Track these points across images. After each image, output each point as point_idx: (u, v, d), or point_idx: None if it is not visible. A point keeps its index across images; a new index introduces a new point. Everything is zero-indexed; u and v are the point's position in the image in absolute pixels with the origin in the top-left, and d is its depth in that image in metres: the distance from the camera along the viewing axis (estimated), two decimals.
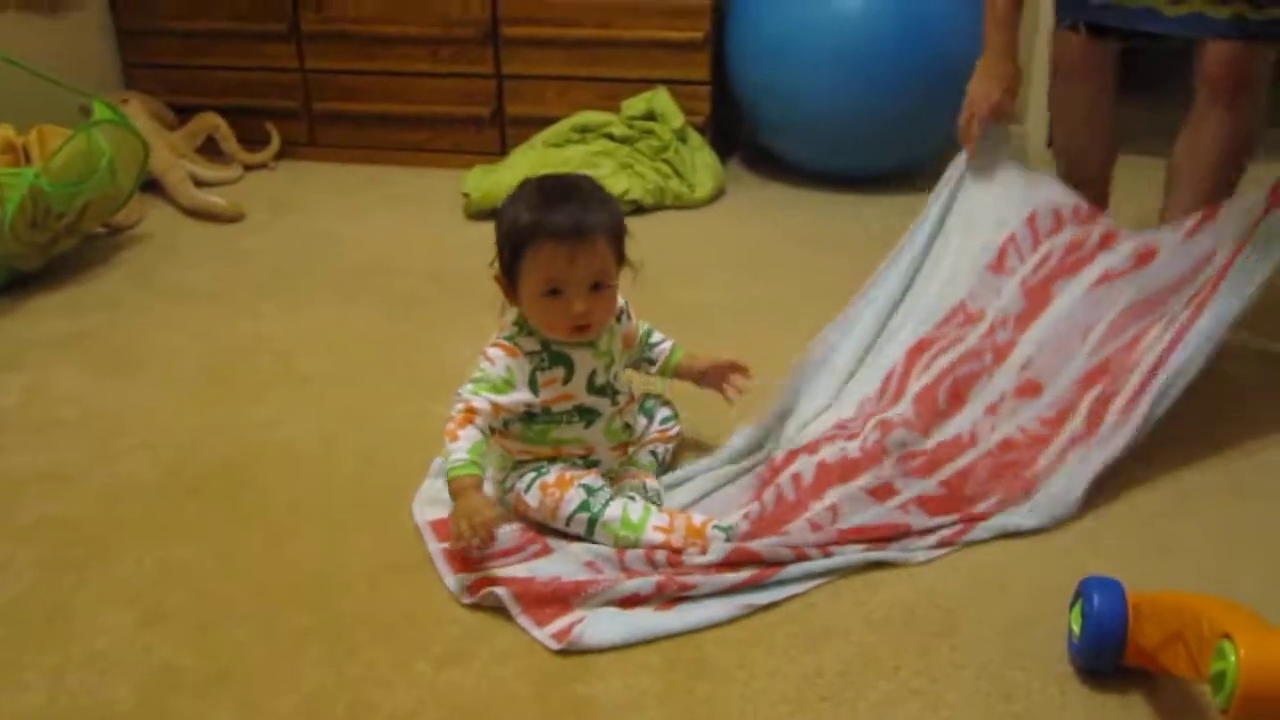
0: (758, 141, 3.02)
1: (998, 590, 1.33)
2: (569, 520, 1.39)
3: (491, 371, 1.41)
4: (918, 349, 1.72)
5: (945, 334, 1.74)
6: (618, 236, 1.40)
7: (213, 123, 3.03)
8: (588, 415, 1.44)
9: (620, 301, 1.49)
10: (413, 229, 2.61)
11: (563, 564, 1.35)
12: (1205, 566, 1.37)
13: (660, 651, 1.24)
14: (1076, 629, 1.18)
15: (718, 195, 2.78)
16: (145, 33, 3.17)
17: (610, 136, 2.75)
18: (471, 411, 1.36)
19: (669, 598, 1.30)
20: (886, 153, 2.73)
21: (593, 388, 1.43)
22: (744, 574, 1.33)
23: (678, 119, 2.76)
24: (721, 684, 1.19)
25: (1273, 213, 1.57)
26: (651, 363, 1.60)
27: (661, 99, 2.78)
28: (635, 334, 1.56)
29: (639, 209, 2.66)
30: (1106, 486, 1.53)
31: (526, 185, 1.41)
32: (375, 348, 2.00)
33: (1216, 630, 0.97)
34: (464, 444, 1.33)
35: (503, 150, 3.00)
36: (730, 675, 1.20)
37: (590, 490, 1.40)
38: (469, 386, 1.39)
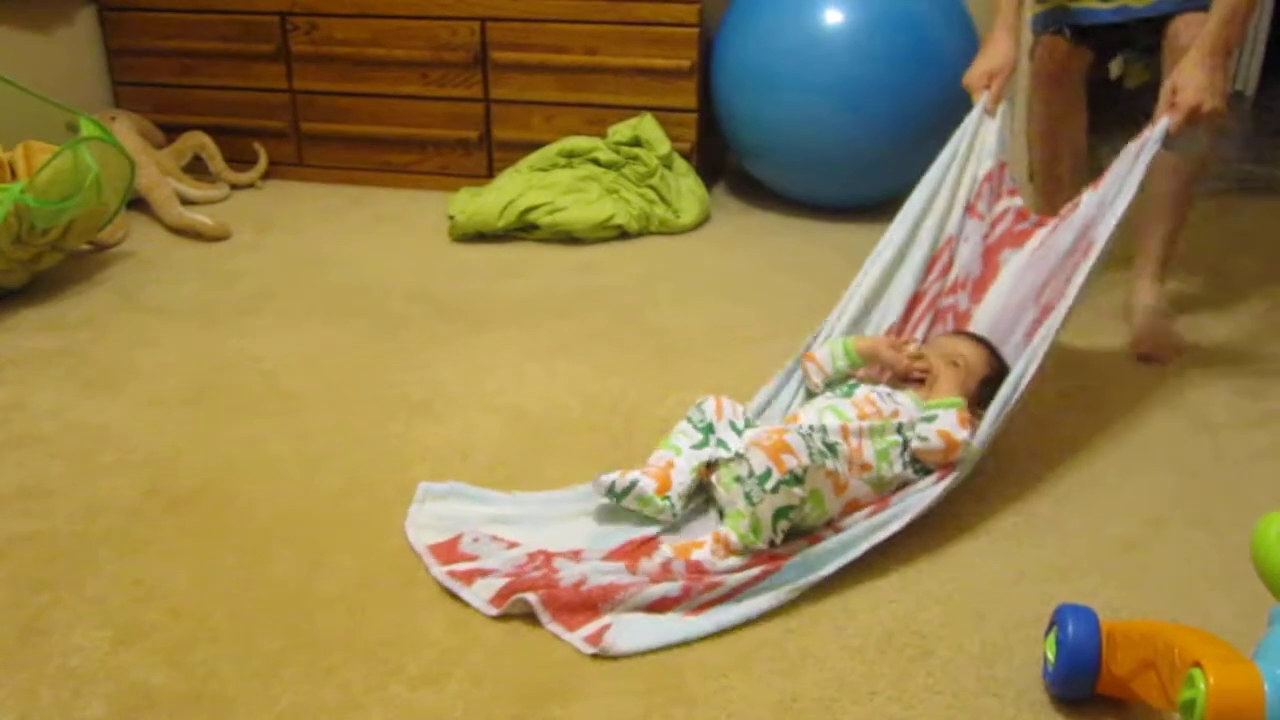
0: (743, 169, 3.04)
1: (974, 618, 1.34)
2: None
3: None
4: (914, 301, 1.86)
5: (929, 287, 1.87)
6: None
7: (200, 141, 3.04)
8: None
9: None
10: (398, 250, 2.62)
11: (583, 571, 1.37)
12: (1177, 595, 1.38)
13: (640, 676, 1.24)
14: (1051, 657, 1.19)
15: (703, 221, 2.79)
16: (135, 52, 3.18)
17: (596, 162, 2.77)
18: None
19: (698, 602, 1.33)
20: (870, 182, 2.75)
21: None
22: (760, 567, 1.36)
23: (664, 145, 2.78)
24: (700, 708, 1.19)
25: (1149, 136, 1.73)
26: None
27: (648, 125, 2.80)
28: None
29: (624, 234, 2.68)
30: (1080, 515, 1.54)
31: None
32: (360, 368, 2.01)
33: (1187, 659, 0.98)
34: None
35: (489, 173, 3.02)
36: (709, 700, 1.20)
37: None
38: None
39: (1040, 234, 1.83)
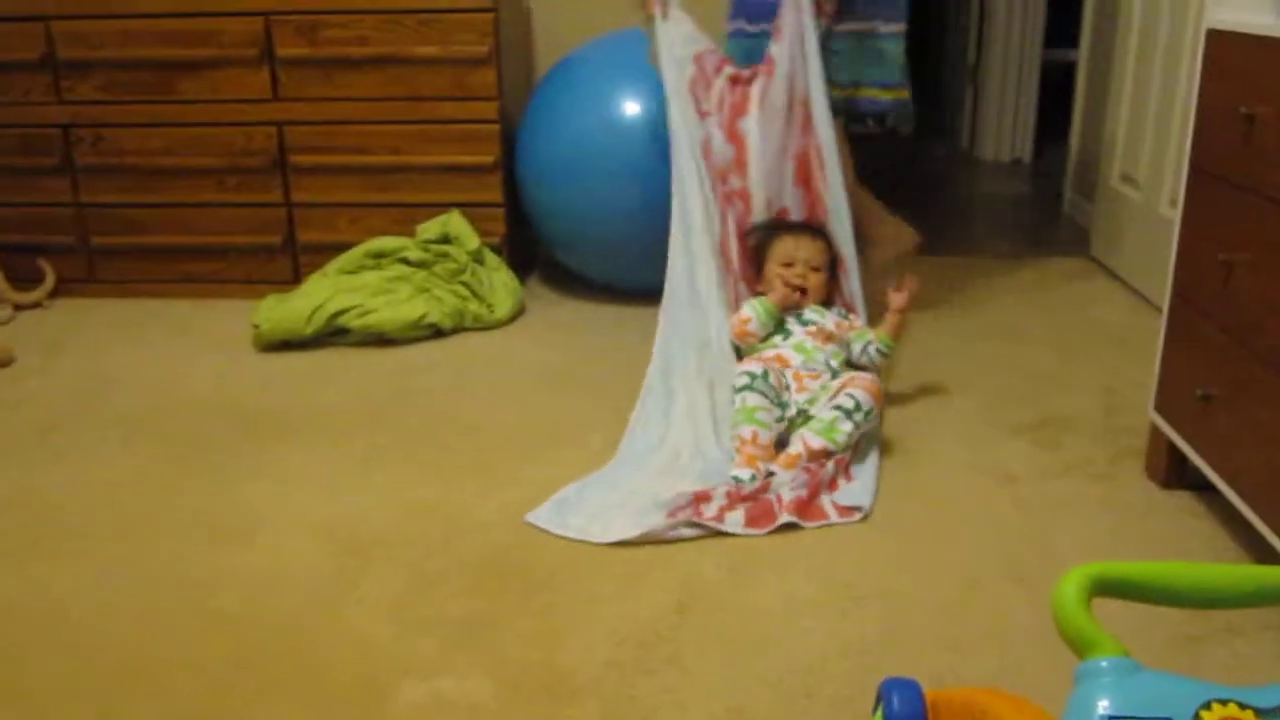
0: (554, 259, 3.05)
1: (803, 698, 1.33)
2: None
3: None
4: (723, 220, 2.30)
5: (714, 193, 2.30)
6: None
7: None
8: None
9: None
10: (201, 364, 2.50)
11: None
12: (998, 655, 1.42)
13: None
14: None
15: (517, 314, 2.78)
16: None
17: (406, 261, 2.72)
18: None
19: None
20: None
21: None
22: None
23: (473, 241, 2.76)
24: None
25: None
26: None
27: (456, 222, 2.78)
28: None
29: (439, 333, 2.64)
30: (898, 583, 1.57)
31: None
32: (158, 495, 1.89)
33: None
34: None
35: (296, 279, 2.93)
36: None
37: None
38: None
39: (754, 94, 2.27)
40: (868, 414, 1.93)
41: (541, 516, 1.75)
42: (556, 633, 1.48)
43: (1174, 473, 1.83)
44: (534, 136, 2.75)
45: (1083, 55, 3.60)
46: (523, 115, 2.87)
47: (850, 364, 2.13)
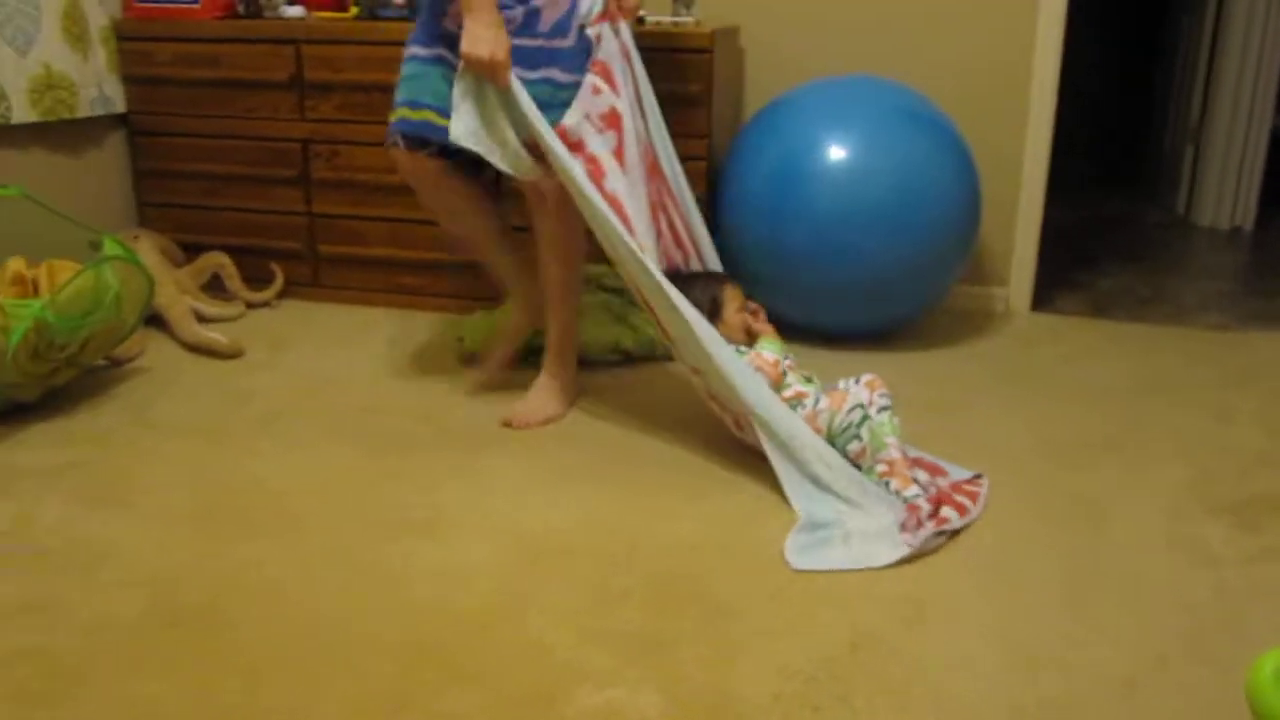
0: (748, 295, 3.09)
1: None
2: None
3: None
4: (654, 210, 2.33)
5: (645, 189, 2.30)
6: None
7: (218, 261, 3.12)
8: None
9: None
10: (408, 371, 2.66)
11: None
12: None
13: None
14: None
15: None
16: (161, 174, 3.28)
17: (604, 287, 2.82)
18: None
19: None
20: (872, 310, 2.79)
21: None
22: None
23: None
24: None
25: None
26: None
27: None
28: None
29: (629, 358, 2.72)
30: (1080, 652, 1.53)
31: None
32: (365, 489, 2.02)
33: None
34: None
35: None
36: None
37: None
38: None
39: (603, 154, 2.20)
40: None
41: (802, 559, 1.79)
42: (729, 659, 1.51)
43: None
44: (739, 175, 2.81)
45: None
46: (728, 153, 2.93)
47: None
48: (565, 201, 2.22)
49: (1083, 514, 1.96)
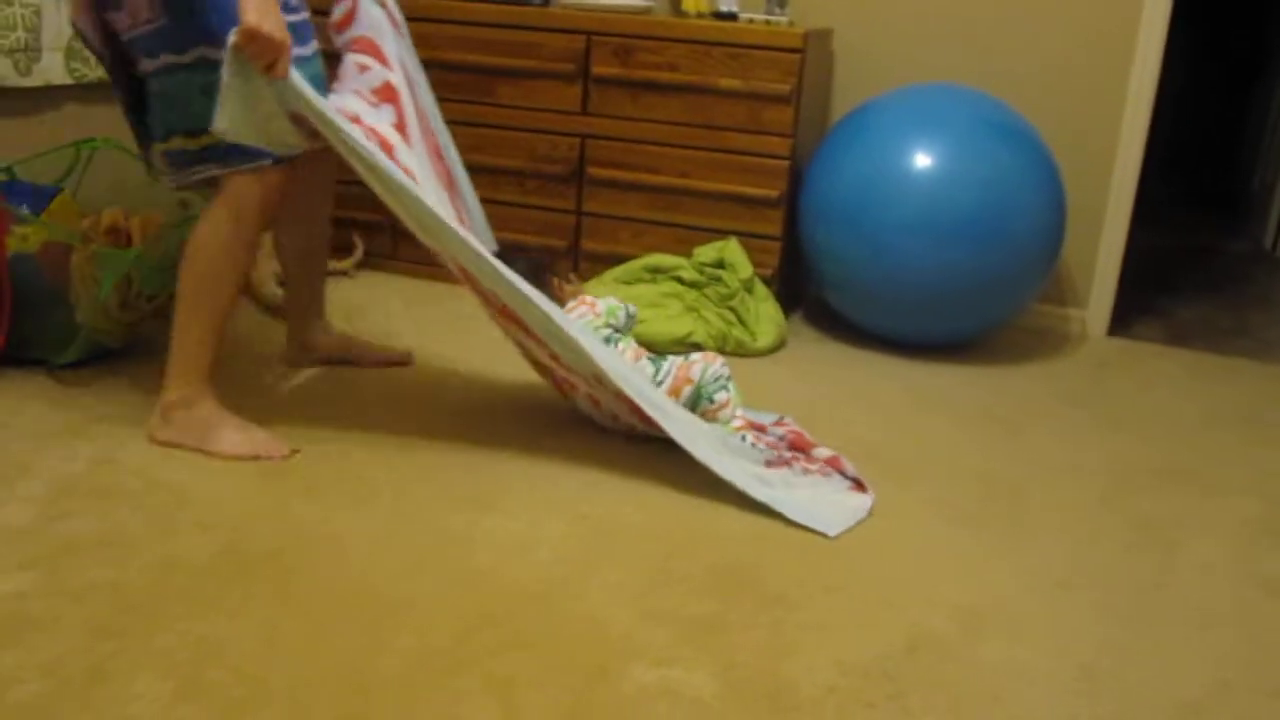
0: (822, 299, 3.09)
1: None
2: None
3: None
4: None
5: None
6: None
7: None
8: None
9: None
10: (475, 346, 2.69)
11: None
12: None
13: None
14: None
15: (778, 347, 2.84)
16: None
17: (679, 279, 2.84)
18: None
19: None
20: (944, 322, 2.78)
21: None
22: None
23: (746, 270, 2.84)
24: None
25: None
26: None
27: (732, 249, 2.87)
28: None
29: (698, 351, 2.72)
30: (1140, 672, 1.51)
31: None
32: (433, 457, 2.06)
33: None
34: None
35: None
36: None
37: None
38: None
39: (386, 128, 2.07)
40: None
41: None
42: (784, 648, 1.51)
43: None
44: (822, 177, 2.81)
45: None
46: (812, 155, 2.93)
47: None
48: (247, 206, 2.00)
49: (1151, 540, 1.93)
